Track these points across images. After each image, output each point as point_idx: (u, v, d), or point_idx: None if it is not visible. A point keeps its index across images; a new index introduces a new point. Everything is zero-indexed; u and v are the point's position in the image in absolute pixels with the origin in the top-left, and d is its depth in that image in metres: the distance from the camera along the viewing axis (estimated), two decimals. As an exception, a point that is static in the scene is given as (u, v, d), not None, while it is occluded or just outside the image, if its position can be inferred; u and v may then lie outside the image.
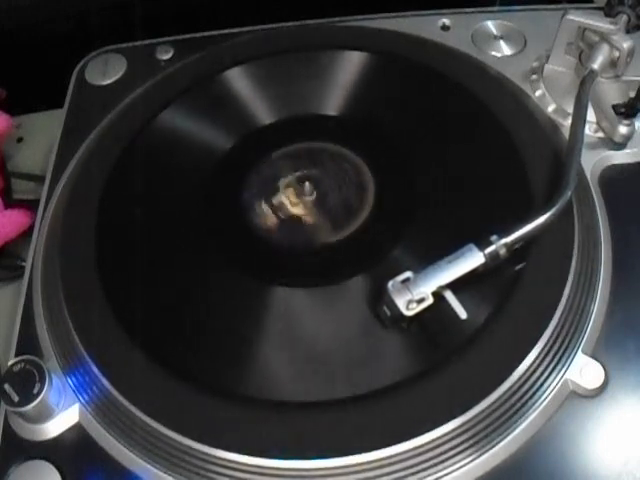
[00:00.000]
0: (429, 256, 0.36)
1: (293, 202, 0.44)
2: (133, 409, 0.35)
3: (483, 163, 0.43)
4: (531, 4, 0.53)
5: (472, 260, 0.36)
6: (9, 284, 0.47)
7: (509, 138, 0.43)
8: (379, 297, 0.36)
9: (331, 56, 0.49)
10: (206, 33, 0.53)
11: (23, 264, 0.44)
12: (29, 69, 0.57)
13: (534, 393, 0.34)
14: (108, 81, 0.51)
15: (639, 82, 0.43)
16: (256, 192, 0.45)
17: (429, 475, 0.33)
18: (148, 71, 0.51)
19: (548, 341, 0.35)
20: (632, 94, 0.43)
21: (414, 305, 0.35)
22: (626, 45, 0.43)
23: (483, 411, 0.33)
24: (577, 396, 0.35)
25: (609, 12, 0.45)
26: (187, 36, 0.53)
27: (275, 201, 0.44)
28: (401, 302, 0.35)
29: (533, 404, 0.34)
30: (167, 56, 0.52)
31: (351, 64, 0.49)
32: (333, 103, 0.48)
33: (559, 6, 0.52)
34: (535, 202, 0.40)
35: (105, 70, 0.51)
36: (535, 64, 0.48)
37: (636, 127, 0.43)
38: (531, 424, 0.34)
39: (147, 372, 0.36)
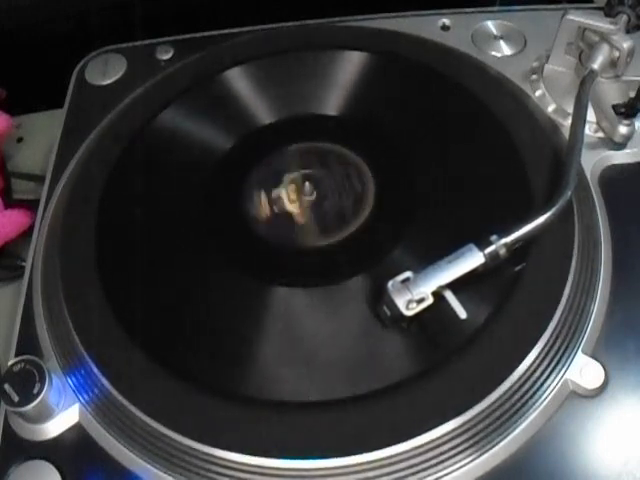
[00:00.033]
0: (429, 256, 0.36)
1: (291, 199, 0.44)
2: (133, 409, 0.35)
3: (483, 163, 0.43)
4: (531, 4, 0.53)
5: (472, 260, 0.36)
6: (9, 284, 0.47)
7: (509, 138, 0.43)
8: (379, 297, 0.36)
9: (331, 56, 0.49)
10: (206, 33, 0.53)
11: (23, 264, 0.44)
12: (29, 69, 0.57)
13: (534, 393, 0.34)
14: (108, 81, 0.51)
15: (639, 82, 0.43)
16: (260, 181, 0.45)
17: (429, 475, 0.33)
18: (148, 71, 0.51)
19: (548, 341, 0.35)
20: (632, 94, 0.43)
21: (414, 305, 0.35)
22: (626, 45, 0.43)
23: (483, 411, 0.33)
24: (577, 396, 0.35)
25: (609, 12, 0.45)
26: (187, 36, 0.53)
27: (274, 194, 0.44)
28: (401, 302, 0.35)
29: (533, 404, 0.34)
30: (167, 56, 0.52)
31: (351, 64, 0.49)
32: (333, 103, 0.48)
33: (559, 6, 0.52)
34: (535, 202, 0.40)
35: (105, 70, 0.51)
36: (535, 64, 0.48)
37: (636, 127, 0.43)
38: (531, 424, 0.34)
39: (147, 372, 0.36)
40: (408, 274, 0.36)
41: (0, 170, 0.51)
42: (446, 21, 0.52)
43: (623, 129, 0.42)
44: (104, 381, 0.36)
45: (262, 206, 0.44)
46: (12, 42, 0.59)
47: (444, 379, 0.34)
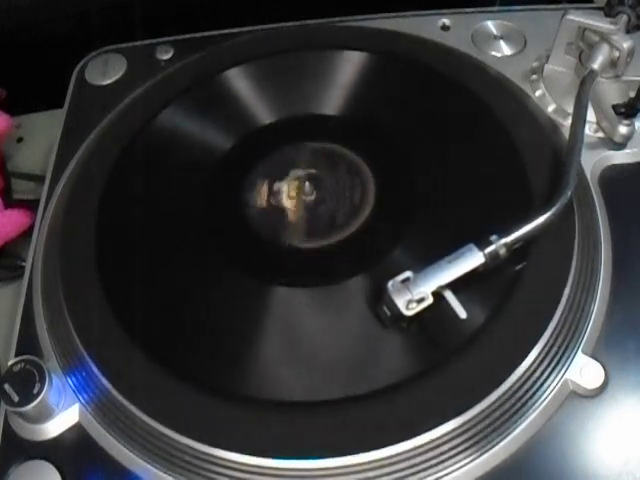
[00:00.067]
0: (429, 256, 0.36)
1: (290, 195, 0.44)
2: (133, 409, 0.35)
3: (483, 163, 0.43)
4: (531, 4, 0.53)
5: (472, 260, 0.36)
6: (9, 284, 0.47)
7: (509, 138, 0.43)
8: (379, 297, 0.36)
9: (331, 56, 0.49)
10: (206, 33, 0.53)
11: (23, 264, 0.44)
12: (29, 69, 0.57)
13: (534, 393, 0.34)
14: (108, 81, 0.51)
15: (639, 82, 0.43)
16: (267, 170, 0.45)
17: (429, 475, 0.33)
18: (148, 71, 0.50)
19: (548, 341, 0.35)
20: (632, 94, 0.43)
21: (414, 305, 0.35)
22: (626, 45, 0.43)
23: (483, 411, 0.33)
24: (577, 396, 0.35)
25: (609, 12, 0.45)
26: (187, 36, 0.53)
27: (276, 186, 0.44)
28: (401, 302, 0.35)
29: (533, 404, 0.34)
30: (167, 56, 0.52)
31: (351, 64, 0.49)
32: (333, 103, 0.48)
33: (559, 6, 0.52)
34: (535, 202, 0.40)
35: (105, 70, 0.51)
36: (535, 64, 0.48)
37: (636, 127, 0.43)
38: (531, 424, 0.34)
39: (147, 372, 0.36)
40: (408, 274, 0.36)
41: (0, 170, 0.51)
42: (446, 21, 0.52)
43: (623, 129, 0.42)
44: (104, 381, 0.36)
45: (261, 194, 0.44)
46: (12, 42, 0.59)
47: (444, 379, 0.34)
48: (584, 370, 0.35)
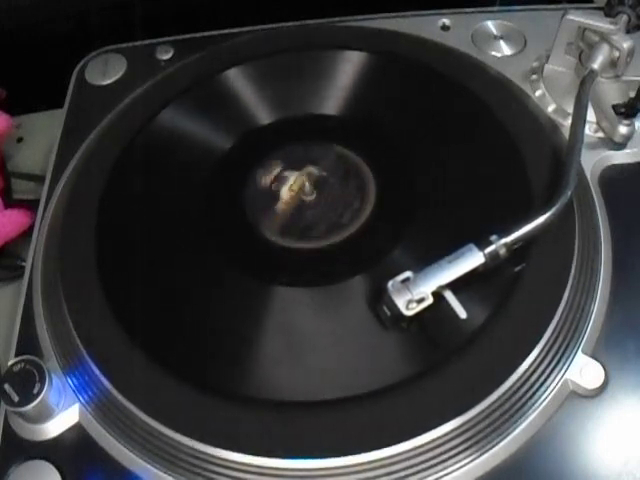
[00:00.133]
0: (429, 256, 0.36)
1: (292, 188, 0.44)
2: (133, 409, 0.35)
3: (483, 163, 0.43)
4: (531, 4, 0.53)
5: (472, 260, 0.36)
6: (9, 284, 0.47)
7: (509, 138, 0.43)
8: (379, 297, 0.36)
9: (331, 56, 0.49)
10: (206, 33, 0.53)
11: (23, 264, 0.44)
12: (29, 69, 0.57)
13: (534, 393, 0.34)
14: (108, 81, 0.51)
15: (639, 82, 0.43)
16: (288, 156, 0.45)
17: (429, 475, 0.33)
18: (148, 71, 0.51)
19: (548, 341, 0.35)
20: (632, 94, 0.43)
21: (414, 305, 0.35)
22: (626, 45, 0.43)
23: (483, 411, 0.33)
24: (577, 396, 0.35)
25: (609, 12, 0.45)
26: (187, 36, 0.53)
27: (285, 173, 0.44)
28: (401, 302, 0.35)
29: (533, 404, 0.34)
30: (167, 56, 0.52)
31: (351, 64, 0.49)
32: (333, 103, 0.48)
33: (559, 6, 0.52)
34: (535, 202, 0.40)
35: (105, 70, 0.51)
36: (535, 64, 0.48)
37: (636, 127, 0.43)
38: (531, 424, 0.34)
39: (147, 372, 0.36)
40: (408, 274, 0.36)
41: (0, 170, 0.51)
42: (446, 21, 0.52)
43: (623, 129, 0.42)
44: (104, 381, 0.36)
45: (270, 174, 0.44)
46: (12, 42, 0.59)
47: (444, 379, 0.34)
48: (584, 370, 0.35)
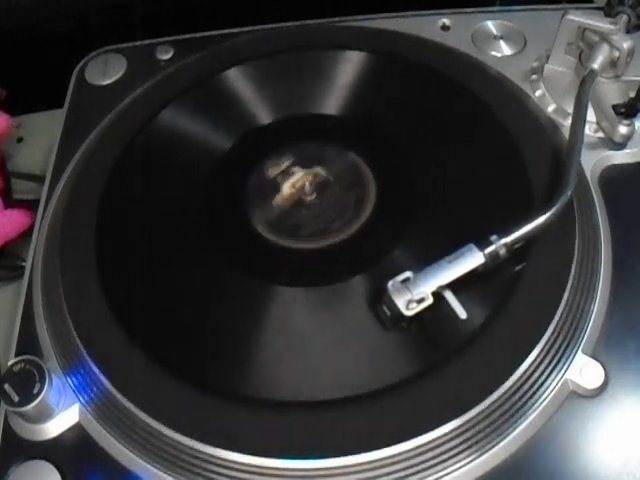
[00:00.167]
0: (429, 256, 0.36)
1: (295, 185, 0.44)
2: (133, 409, 0.35)
3: (483, 163, 0.43)
4: (531, 4, 0.53)
5: (472, 260, 0.36)
6: (9, 284, 0.47)
7: (509, 138, 0.43)
8: (379, 297, 0.36)
9: (331, 56, 0.49)
10: (206, 33, 0.53)
11: (23, 264, 0.44)
12: (29, 69, 0.57)
13: (534, 393, 0.34)
14: (108, 81, 0.51)
15: (639, 82, 0.43)
16: (301, 153, 0.45)
17: (429, 475, 0.33)
18: (148, 71, 0.51)
19: (548, 341, 0.35)
20: (632, 94, 0.43)
21: (414, 305, 0.35)
22: (626, 45, 0.43)
23: (483, 411, 0.33)
24: (577, 396, 0.35)
25: (609, 12, 0.45)
26: (187, 36, 0.53)
27: (293, 169, 0.44)
28: (401, 302, 0.35)
29: (533, 404, 0.34)
30: (167, 56, 0.52)
31: (351, 64, 0.49)
32: (333, 103, 0.48)
33: (559, 6, 0.52)
34: (535, 202, 0.40)
35: (105, 70, 0.51)
36: (535, 64, 0.48)
37: (636, 127, 0.43)
38: (531, 424, 0.34)
39: (147, 372, 0.36)
40: (408, 274, 0.36)
41: (0, 170, 0.51)
42: (446, 21, 0.52)
43: (623, 129, 0.42)
44: (104, 381, 0.36)
45: (278, 167, 0.44)
46: (12, 42, 0.59)
47: (444, 379, 0.34)
48: (584, 370, 0.35)
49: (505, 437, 0.33)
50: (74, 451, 0.35)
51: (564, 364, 0.35)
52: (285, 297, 0.39)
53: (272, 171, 0.45)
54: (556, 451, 0.34)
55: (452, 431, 0.33)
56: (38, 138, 0.55)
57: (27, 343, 0.39)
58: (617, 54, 0.43)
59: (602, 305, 0.37)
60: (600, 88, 0.44)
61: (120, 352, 0.37)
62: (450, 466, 0.33)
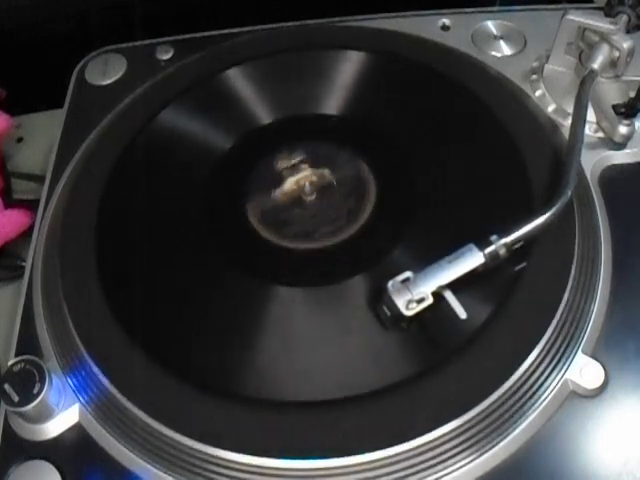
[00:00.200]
0: (429, 256, 0.36)
1: (297, 182, 0.44)
2: (133, 409, 0.35)
3: (483, 163, 0.43)
4: (531, 4, 0.53)
5: (472, 260, 0.36)
6: (9, 284, 0.47)
7: (509, 138, 0.43)
8: (379, 297, 0.36)
9: (331, 56, 0.49)
10: (206, 33, 0.53)
11: (23, 264, 0.44)
12: (29, 69, 0.57)
13: (534, 393, 0.34)
14: (108, 81, 0.51)
15: (639, 82, 0.43)
16: (314, 151, 0.45)
17: (429, 475, 0.33)
18: (148, 71, 0.51)
19: (548, 341, 0.35)
20: (632, 94, 0.43)
21: (414, 305, 0.35)
22: (626, 45, 0.43)
23: (483, 411, 0.33)
24: (577, 396, 0.35)
25: (609, 12, 0.45)
26: (187, 36, 0.53)
27: (302, 167, 0.45)
28: (401, 302, 0.35)
29: (533, 404, 0.34)
30: (167, 56, 0.52)
31: (351, 64, 0.49)
32: (333, 103, 0.48)
33: (559, 6, 0.52)
34: (535, 202, 0.40)
35: (105, 70, 0.51)
36: (535, 64, 0.48)
37: (636, 127, 0.43)
38: (531, 424, 0.34)
39: (147, 372, 0.36)
40: (408, 274, 0.36)
41: (0, 170, 0.51)
42: (446, 21, 0.52)
43: (623, 129, 0.42)
44: (104, 381, 0.36)
45: (289, 160, 0.45)
46: (12, 42, 0.59)
47: (444, 379, 0.34)
48: (584, 370, 0.35)
49: (505, 437, 0.33)
50: (74, 451, 0.35)
51: (564, 364, 0.35)
52: (285, 297, 0.39)
53: (281, 164, 0.45)
54: (556, 451, 0.34)
55: (452, 431, 0.33)
56: (38, 138, 0.55)
57: (27, 343, 0.39)
58: (617, 54, 0.43)
59: (602, 305, 0.37)
60: (600, 88, 0.44)
61: (120, 352, 0.37)
62: (450, 466, 0.33)
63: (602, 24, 0.43)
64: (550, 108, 0.46)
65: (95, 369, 0.36)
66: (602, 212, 0.41)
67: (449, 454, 0.33)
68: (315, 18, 0.53)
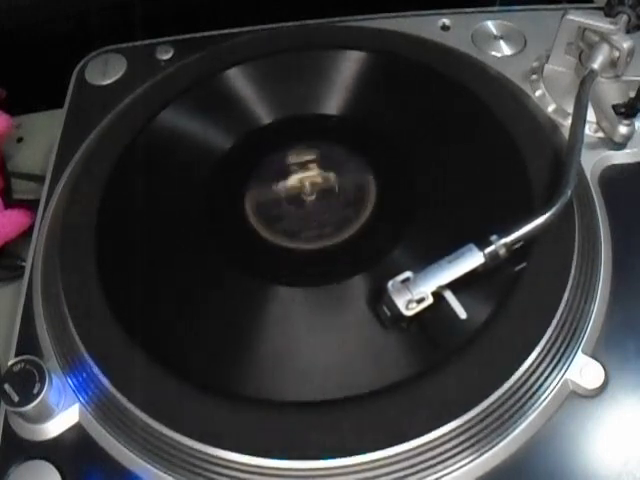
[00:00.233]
0: (429, 256, 0.36)
1: (300, 180, 0.44)
2: (133, 409, 0.35)
3: (483, 163, 0.43)
4: (531, 4, 0.53)
5: (472, 260, 0.36)
6: (9, 284, 0.47)
7: (509, 138, 0.43)
8: (379, 297, 0.36)
9: (331, 56, 0.49)
10: (206, 33, 0.53)
11: (23, 264, 0.44)
12: (29, 69, 0.57)
13: (534, 393, 0.34)
14: (108, 81, 0.51)
15: (639, 82, 0.43)
16: (324, 153, 0.46)
17: (429, 475, 0.33)
18: (148, 71, 0.50)
19: (548, 341, 0.35)
20: (632, 94, 0.43)
21: (414, 305, 0.35)
22: (626, 45, 0.43)
23: (483, 411, 0.33)
24: (577, 396, 0.35)
25: (609, 12, 0.45)
26: (187, 36, 0.53)
27: (310, 165, 0.45)
28: (401, 302, 0.35)
29: (533, 404, 0.34)
30: (167, 56, 0.52)
31: (351, 64, 0.49)
32: (333, 103, 0.48)
33: (559, 6, 0.52)
34: (535, 202, 0.40)
35: (105, 70, 0.51)
36: (535, 64, 0.48)
37: (636, 127, 0.43)
38: (531, 424, 0.34)
39: (147, 372, 0.36)
40: (408, 274, 0.36)
41: (0, 170, 0.51)
42: (446, 21, 0.52)
43: (623, 129, 0.42)
44: (104, 381, 0.36)
45: (298, 156, 0.45)
46: (12, 42, 0.59)
47: (444, 379, 0.34)
48: (584, 370, 0.35)
49: (505, 437, 0.33)
50: (74, 451, 0.35)
51: (564, 364, 0.35)
52: (285, 297, 0.39)
53: (292, 158, 0.45)
54: (556, 451, 0.34)
55: (452, 431, 0.33)
56: (38, 138, 0.55)
57: (27, 343, 0.39)
58: (617, 54, 0.43)
59: (602, 305, 0.37)
60: (600, 88, 0.44)
61: (120, 352, 0.37)
62: (450, 466, 0.33)
63: (602, 24, 0.43)
64: (550, 108, 0.46)
65: (95, 369, 0.36)
66: (602, 212, 0.41)
67: (449, 454, 0.33)
68: (315, 18, 0.53)
